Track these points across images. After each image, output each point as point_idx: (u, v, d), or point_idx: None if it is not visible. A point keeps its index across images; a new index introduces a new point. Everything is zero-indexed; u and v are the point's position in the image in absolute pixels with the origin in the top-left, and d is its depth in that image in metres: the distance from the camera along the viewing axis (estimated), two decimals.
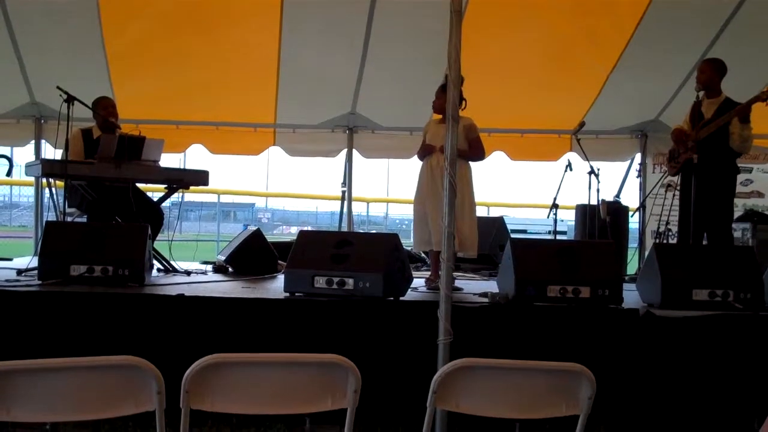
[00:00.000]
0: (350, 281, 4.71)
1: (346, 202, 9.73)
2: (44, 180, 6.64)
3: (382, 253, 4.83)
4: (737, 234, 7.83)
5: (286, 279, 4.89)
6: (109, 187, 6.37)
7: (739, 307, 4.75)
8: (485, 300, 4.89)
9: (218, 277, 6.29)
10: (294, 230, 24.68)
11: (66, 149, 6.06)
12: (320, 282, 4.75)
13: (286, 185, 46.73)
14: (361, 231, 13.76)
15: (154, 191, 7.70)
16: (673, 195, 6.89)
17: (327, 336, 4.51)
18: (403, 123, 9.10)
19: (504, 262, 5.16)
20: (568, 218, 11.43)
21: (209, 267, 6.97)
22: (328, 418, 2.74)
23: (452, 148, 3.89)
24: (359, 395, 2.59)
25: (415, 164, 6.11)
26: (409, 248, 6.73)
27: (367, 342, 4.47)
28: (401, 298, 4.86)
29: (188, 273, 6.30)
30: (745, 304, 4.78)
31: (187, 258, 7.53)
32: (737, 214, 7.70)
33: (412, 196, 6.05)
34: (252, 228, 7.26)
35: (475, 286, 5.83)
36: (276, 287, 5.44)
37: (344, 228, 9.73)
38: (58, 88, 5.94)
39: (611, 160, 9.67)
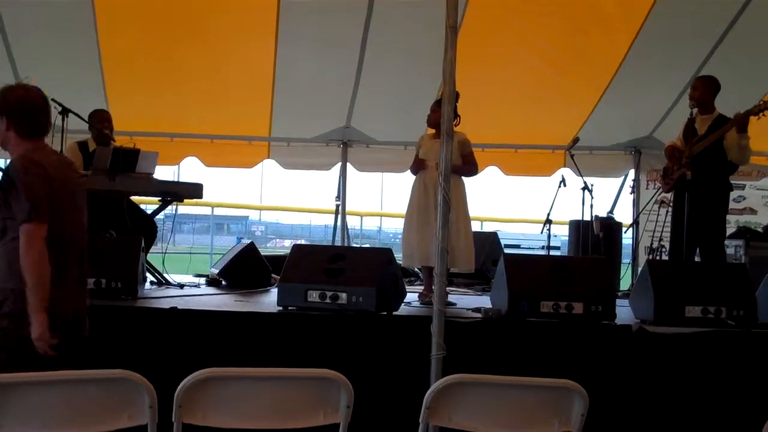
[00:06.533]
0: (343, 295, 4.70)
1: (340, 216, 9.72)
2: None
3: (376, 267, 4.83)
4: (730, 251, 7.82)
5: (280, 293, 4.88)
6: (103, 199, 6.35)
7: (732, 324, 4.77)
8: (478, 315, 4.89)
9: (211, 290, 6.27)
10: (288, 243, 24.65)
11: None
12: (313, 296, 4.74)
13: (280, 198, 46.52)
14: (355, 245, 13.73)
15: (147, 203, 7.69)
16: (667, 211, 6.91)
17: (320, 350, 4.50)
18: (397, 137, 9.10)
19: (497, 277, 5.16)
20: (561, 234, 11.41)
21: (202, 280, 6.93)
22: None
23: (447, 164, 3.89)
24: (352, 410, 2.59)
25: (408, 179, 6.11)
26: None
27: (359, 357, 4.45)
28: (394, 313, 4.86)
29: (181, 286, 6.27)
30: (738, 321, 4.79)
31: (181, 271, 7.51)
32: (730, 230, 7.72)
33: (405, 210, 6.04)
34: (246, 241, 7.25)
35: (468, 301, 5.82)
36: (269, 301, 5.43)
37: (338, 241, 9.73)
38: (53, 100, 5.91)
39: (605, 176, 9.70)
